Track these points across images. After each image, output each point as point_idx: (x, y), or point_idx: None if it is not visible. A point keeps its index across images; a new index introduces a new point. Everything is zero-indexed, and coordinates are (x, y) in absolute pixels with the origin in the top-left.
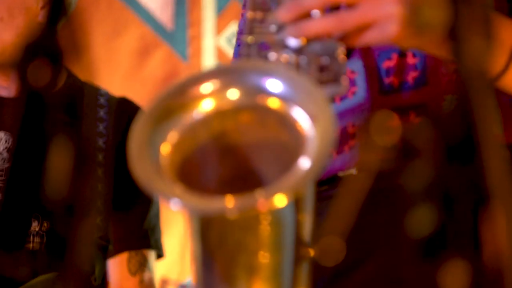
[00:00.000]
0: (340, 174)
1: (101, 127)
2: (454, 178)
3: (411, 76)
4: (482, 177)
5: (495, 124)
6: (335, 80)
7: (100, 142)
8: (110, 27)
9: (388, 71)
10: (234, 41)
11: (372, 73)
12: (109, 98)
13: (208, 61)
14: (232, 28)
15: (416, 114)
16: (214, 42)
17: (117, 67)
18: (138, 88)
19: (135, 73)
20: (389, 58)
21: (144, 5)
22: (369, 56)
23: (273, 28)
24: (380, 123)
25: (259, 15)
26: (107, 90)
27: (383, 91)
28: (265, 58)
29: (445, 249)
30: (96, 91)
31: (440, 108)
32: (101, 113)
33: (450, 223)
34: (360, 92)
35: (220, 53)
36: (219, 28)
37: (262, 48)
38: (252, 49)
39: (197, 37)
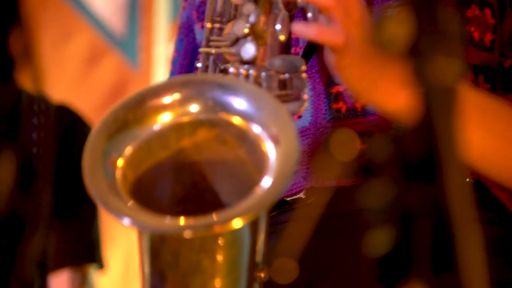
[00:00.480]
0: (288, 199)
1: (38, 134)
2: (414, 197)
3: (360, 102)
4: (443, 197)
5: (458, 143)
6: (297, 96)
7: (39, 150)
8: (58, 32)
9: (336, 97)
10: None
11: (320, 97)
12: (47, 104)
13: (160, 69)
14: None
15: (362, 142)
16: (166, 50)
17: (65, 74)
18: (86, 96)
19: (84, 80)
20: (338, 84)
21: (95, 10)
22: (318, 80)
23: (229, 40)
24: (340, 139)
25: (216, 26)
26: (46, 96)
27: (330, 117)
28: (223, 71)
29: (403, 272)
30: (33, 98)
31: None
32: (38, 120)
33: (409, 244)
34: (306, 115)
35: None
36: (172, 35)
37: (219, 61)
38: (209, 61)
39: (149, 44)
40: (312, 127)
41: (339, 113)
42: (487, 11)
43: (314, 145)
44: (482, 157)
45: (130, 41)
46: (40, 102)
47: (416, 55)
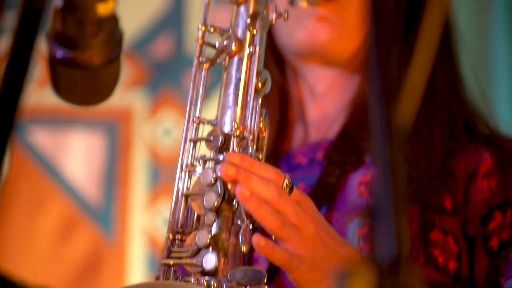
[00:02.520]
0: None
1: None
2: None
3: None
4: None
5: None
6: None
7: None
8: (30, 200)
9: None
10: (163, 220)
11: None
12: None
13: (136, 240)
14: (162, 206)
15: None
16: (143, 221)
17: (37, 246)
18: (59, 269)
19: (56, 252)
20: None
21: (69, 177)
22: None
23: (191, 251)
24: None
25: (178, 237)
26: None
27: None
28: (186, 282)
29: None
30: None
31: None
32: None
33: None
34: None
35: (148, 232)
36: (149, 206)
37: (180, 273)
38: (170, 273)
39: (125, 215)
40: None
41: None
42: (450, 238)
43: None
44: None
45: (106, 211)
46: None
47: None
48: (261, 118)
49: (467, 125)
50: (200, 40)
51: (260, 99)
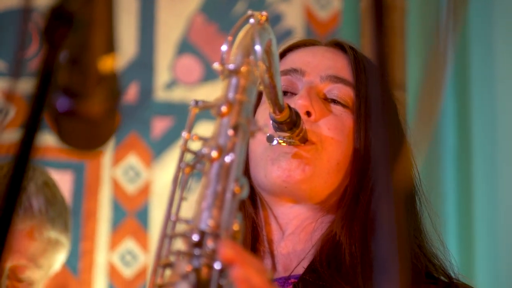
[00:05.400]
0: None
1: None
2: None
3: None
4: None
5: None
6: None
7: None
8: None
9: None
10: (127, 257)
11: None
12: None
13: (100, 277)
14: (126, 244)
15: None
16: (107, 258)
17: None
18: None
19: None
20: None
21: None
22: None
23: None
24: None
25: None
26: None
27: None
28: None
29: None
30: None
31: None
32: None
33: None
34: None
35: (112, 269)
36: (113, 244)
37: None
38: None
39: (90, 252)
40: None
41: None
42: None
43: None
44: None
45: (71, 248)
46: None
47: None
48: (236, 220)
49: (429, 272)
50: (183, 147)
51: (236, 203)
